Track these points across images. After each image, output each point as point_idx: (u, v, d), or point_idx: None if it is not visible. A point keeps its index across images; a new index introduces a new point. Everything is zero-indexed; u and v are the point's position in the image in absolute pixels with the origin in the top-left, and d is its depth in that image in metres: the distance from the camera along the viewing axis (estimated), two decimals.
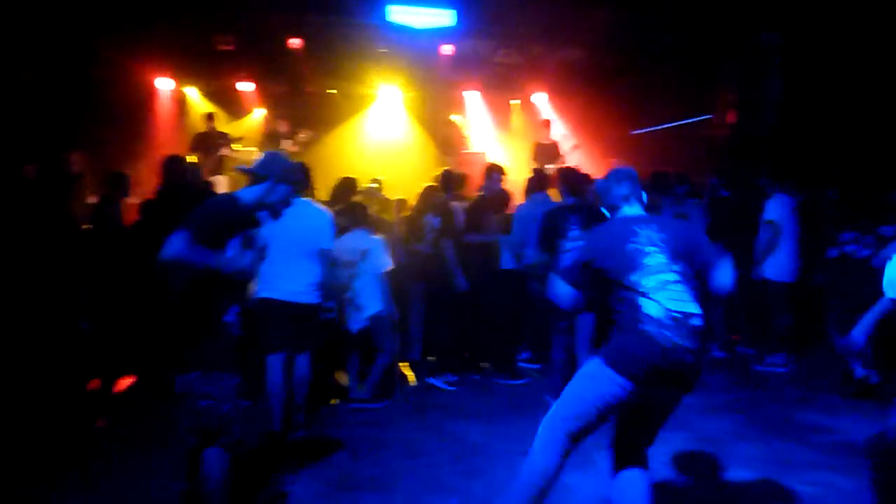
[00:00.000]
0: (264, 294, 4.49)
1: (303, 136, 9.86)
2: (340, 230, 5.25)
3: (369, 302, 5.45)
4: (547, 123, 10.80)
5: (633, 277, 2.92)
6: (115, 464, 4.21)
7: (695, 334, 2.86)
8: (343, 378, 5.89)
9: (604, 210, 3.31)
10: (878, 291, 3.42)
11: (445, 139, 10.63)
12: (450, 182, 6.40)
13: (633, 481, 3.12)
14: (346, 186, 6.22)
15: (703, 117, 10.76)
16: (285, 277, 4.49)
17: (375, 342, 5.57)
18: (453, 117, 11.29)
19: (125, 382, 5.62)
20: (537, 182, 6.59)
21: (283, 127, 10.08)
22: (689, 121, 10.76)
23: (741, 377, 6.30)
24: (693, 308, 2.89)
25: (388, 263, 5.50)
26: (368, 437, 4.81)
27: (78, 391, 4.81)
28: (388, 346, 5.58)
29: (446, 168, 6.67)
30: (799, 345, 6.57)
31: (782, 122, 9.13)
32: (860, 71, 7.99)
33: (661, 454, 4.43)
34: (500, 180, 6.47)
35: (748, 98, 10.00)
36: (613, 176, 3.28)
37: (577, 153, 10.32)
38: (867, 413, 4.92)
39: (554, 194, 7.91)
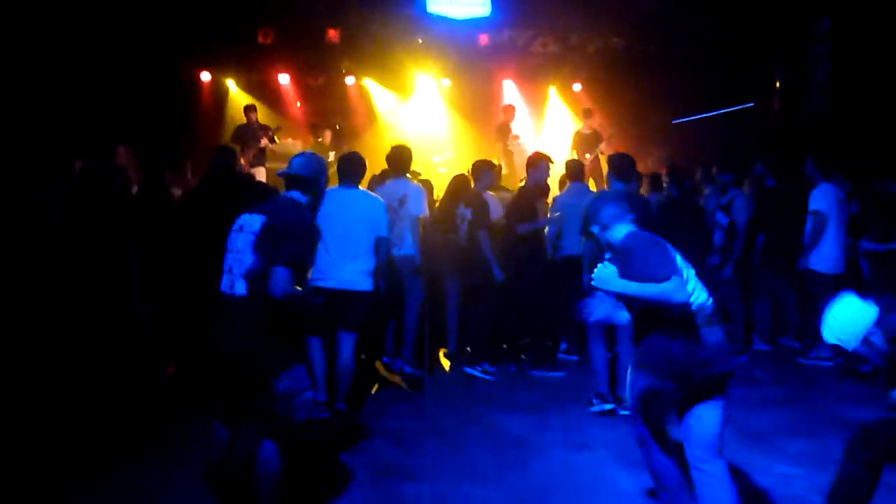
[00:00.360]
0: (318, 283, 4.59)
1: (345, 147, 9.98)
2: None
3: (407, 244, 5.60)
4: (589, 112, 10.66)
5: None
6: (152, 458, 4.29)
7: (720, 321, 3.08)
8: (383, 367, 5.95)
9: (594, 230, 3.39)
10: None
11: (500, 125, 10.53)
12: (481, 172, 6.33)
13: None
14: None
15: (746, 105, 10.54)
16: (338, 267, 4.59)
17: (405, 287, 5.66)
18: (506, 103, 11.14)
19: (167, 372, 5.72)
20: (575, 172, 6.51)
21: (326, 139, 10.16)
22: (732, 109, 10.55)
23: (787, 371, 6.17)
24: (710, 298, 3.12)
25: (422, 210, 5.63)
26: (408, 426, 4.84)
27: (127, 383, 4.88)
28: (415, 296, 5.65)
29: (479, 159, 6.54)
30: None
31: (830, 110, 8.89)
32: None
33: None
34: (548, 170, 6.40)
35: (793, 86, 9.76)
36: (603, 198, 3.44)
37: (611, 142, 10.17)
38: None
39: (591, 184, 7.86)
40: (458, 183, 6.28)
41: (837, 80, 8.93)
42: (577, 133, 10.46)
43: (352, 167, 4.97)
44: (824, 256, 6.29)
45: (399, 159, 5.72)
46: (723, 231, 6.49)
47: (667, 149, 11.06)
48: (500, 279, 5.94)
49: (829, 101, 9.04)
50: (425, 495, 3.85)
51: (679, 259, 3.12)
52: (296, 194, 3.38)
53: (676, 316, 3.00)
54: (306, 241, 3.24)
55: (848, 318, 2.98)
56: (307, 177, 3.41)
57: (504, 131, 10.32)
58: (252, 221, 3.22)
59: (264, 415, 3.22)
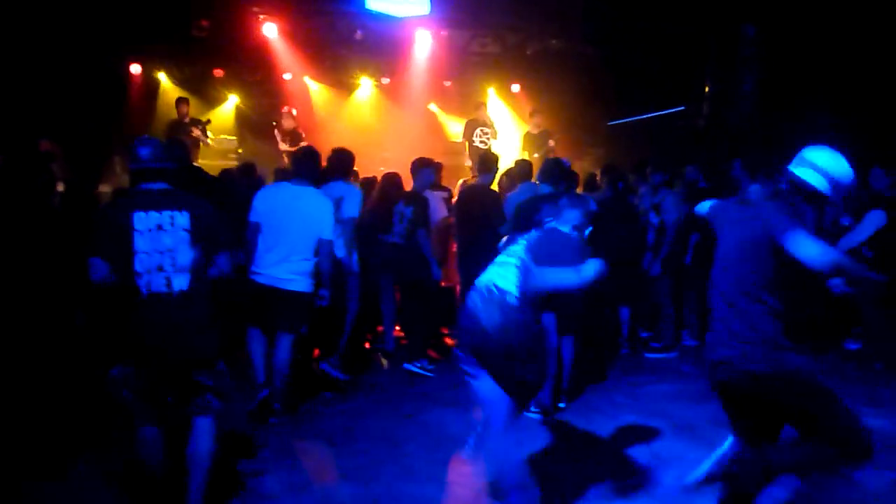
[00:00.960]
0: (253, 277, 4.55)
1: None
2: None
3: (341, 248, 5.45)
4: (534, 113, 10.78)
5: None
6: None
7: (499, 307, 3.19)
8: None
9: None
10: None
11: (468, 122, 10.53)
12: (421, 170, 6.20)
13: None
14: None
15: (677, 108, 10.85)
16: (273, 263, 4.51)
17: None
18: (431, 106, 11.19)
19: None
20: (524, 172, 6.56)
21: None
22: (666, 112, 10.84)
23: None
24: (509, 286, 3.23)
25: (355, 212, 5.48)
26: (345, 426, 4.78)
27: (73, 384, 4.68)
28: (352, 297, 5.59)
29: (418, 157, 6.48)
30: None
31: (758, 113, 9.25)
32: (836, 64, 8.09)
33: (639, 441, 4.48)
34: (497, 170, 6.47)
35: (724, 89, 10.10)
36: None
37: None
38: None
39: None
40: (390, 181, 6.24)
41: (765, 84, 9.28)
42: (527, 133, 10.55)
43: (305, 163, 4.81)
44: None
45: (340, 162, 5.63)
46: (654, 230, 6.66)
47: (602, 149, 11.29)
48: (438, 278, 5.93)
49: (756, 104, 9.39)
50: (361, 496, 3.82)
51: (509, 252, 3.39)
52: (162, 185, 3.32)
53: None
54: (228, 224, 3.50)
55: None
56: (169, 168, 3.39)
57: (471, 128, 10.36)
58: (177, 218, 3.26)
59: (198, 399, 3.29)
